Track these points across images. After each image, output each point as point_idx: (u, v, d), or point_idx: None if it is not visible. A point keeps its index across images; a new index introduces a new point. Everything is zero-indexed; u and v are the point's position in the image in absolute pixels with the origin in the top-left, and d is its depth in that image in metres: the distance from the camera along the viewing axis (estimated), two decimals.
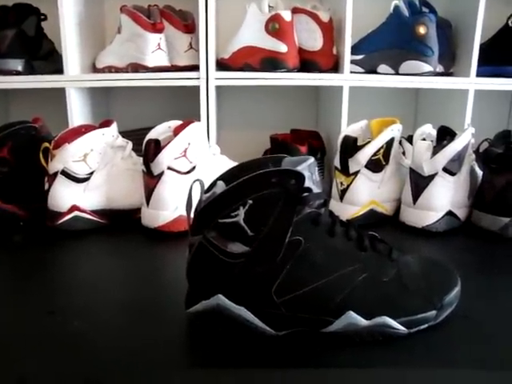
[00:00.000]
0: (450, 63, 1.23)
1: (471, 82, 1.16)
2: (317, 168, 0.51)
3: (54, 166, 0.81)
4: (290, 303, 0.49)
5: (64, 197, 0.82)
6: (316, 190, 0.50)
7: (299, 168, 0.48)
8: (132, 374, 0.47)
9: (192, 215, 0.51)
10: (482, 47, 1.17)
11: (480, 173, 0.89)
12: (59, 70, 1.14)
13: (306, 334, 0.50)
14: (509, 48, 1.21)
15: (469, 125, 0.86)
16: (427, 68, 1.13)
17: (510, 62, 1.19)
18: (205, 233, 0.49)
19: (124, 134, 0.92)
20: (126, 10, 1.16)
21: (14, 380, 0.45)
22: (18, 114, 1.00)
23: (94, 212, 0.84)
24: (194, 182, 0.51)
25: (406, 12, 1.16)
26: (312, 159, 0.50)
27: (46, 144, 0.85)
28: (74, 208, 0.82)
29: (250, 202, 0.47)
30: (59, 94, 1.14)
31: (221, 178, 0.53)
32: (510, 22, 1.23)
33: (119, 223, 0.86)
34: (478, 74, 1.17)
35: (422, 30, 1.13)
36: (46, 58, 1.21)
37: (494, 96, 1.29)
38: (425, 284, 0.53)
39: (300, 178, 0.47)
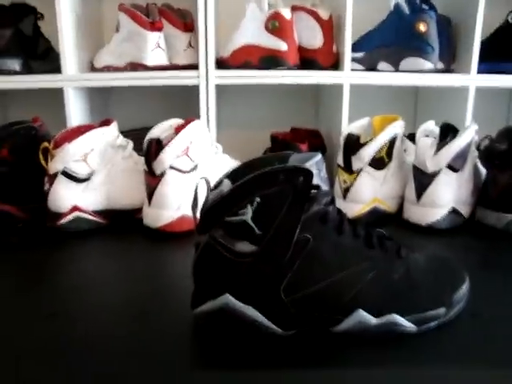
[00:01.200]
0: (450, 60, 1.22)
1: (472, 79, 1.16)
2: (324, 165, 0.51)
3: (54, 166, 0.80)
4: (299, 302, 0.48)
5: (64, 197, 0.81)
6: (324, 187, 0.49)
7: (307, 165, 0.47)
8: (138, 375, 0.46)
9: (198, 214, 0.50)
10: (482, 44, 1.17)
11: (483, 170, 0.88)
12: (57, 70, 1.13)
13: (315, 333, 0.50)
14: (509, 45, 1.21)
15: (472, 121, 0.86)
16: (428, 65, 1.13)
17: (510, 59, 1.19)
18: (212, 232, 0.49)
19: (124, 133, 0.91)
20: (124, 8, 1.15)
21: (16, 383, 0.44)
22: (16, 114, 0.99)
23: (95, 212, 0.83)
24: (200, 179, 0.50)
25: (405, 9, 1.16)
26: (319, 156, 0.50)
27: (46, 144, 0.84)
28: (74, 208, 0.81)
29: (258, 200, 0.46)
30: (57, 94, 1.13)
31: (227, 176, 0.53)
32: (509, 18, 1.23)
33: (120, 223, 0.85)
34: (479, 71, 1.16)
35: (422, 27, 1.12)
36: (44, 57, 1.19)
37: (493, 93, 1.29)
38: (434, 281, 0.52)
39: (308, 175, 0.47)
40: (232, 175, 0.52)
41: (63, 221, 0.81)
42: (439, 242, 0.79)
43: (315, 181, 0.48)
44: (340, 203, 0.86)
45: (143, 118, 1.19)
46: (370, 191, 0.85)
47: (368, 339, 0.49)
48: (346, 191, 0.86)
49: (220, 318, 0.50)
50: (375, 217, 0.86)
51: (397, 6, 1.16)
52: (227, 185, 0.51)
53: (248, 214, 0.46)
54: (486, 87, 1.18)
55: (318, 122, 1.43)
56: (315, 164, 0.48)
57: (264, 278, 0.48)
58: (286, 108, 1.43)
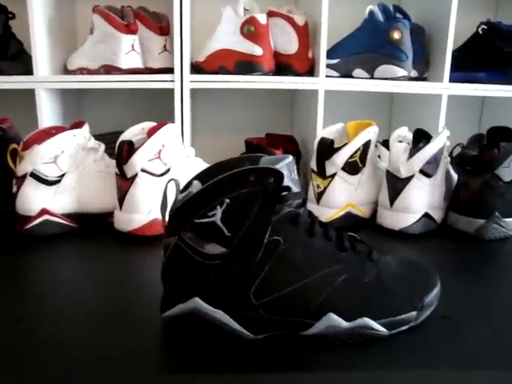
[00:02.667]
0: (423, 68, 1.24)
1: (444, 87, 1.18)
2: (295, 167, 0.50)
3: (23, 167, 0.78)
4: (269, 305, 0.48)
5: (33, 200, 0.79)
6: (295, 188, 0.48)
7: (278, 166, 0.47)
8: (106, 379, 0.45)
9: (167, 216, 0.49)
10: (455, 53, 1.19)
11: (455, 175, 0.89)
12: (28, 71, 1.11)
13: (286, 337, 0.49)
14: (479, 55, 1.23)
15: (444, 127, 0.87)
16: (401, 72, 1.14)
17: (480, 68, 1.21)
18: (180, 234, 0.48)
19: (97, 137, 0.89)
20: (98, 10, 1.14)
21: None
22: None
23: (65, 216, 0.82)
24: (169, 181, 0.49)
25: (380, 17, 1.17)
26: (290, 158, 0.49)
27: (14, 145, 0.82)
28: (43, 212, 0.79)
29: (227, 201, 0.46)
30: (29, 96, 1.10)
31: (197, 177, 0.52)
32: (479, 29, 1.26)
33: (91, 227, 0.84)
34: (451, 80, 1.18)
35: (396, 35, 1.14)
36: (15, 58, 1.17)
37: (466, 100, 1.31)
38: (405, 285, 0.52)
39: (279, 176, 0.46)
40: (202, 176, 0.51)
41: (32, 224, 0.79)
42: (412, 247, 0.80)
43: (286, 182, 0.47)
44: (314, 208, 0.86)
45: (117, 121, 1.18)
46: (343, 196, 0.85)
47: (339, 343, 0.49)
48: (319, 196, 0.86)
49: (189, 321, 0.49)
50: (349, 221, 0.86)
51: (371, 14, 1.18)
52: (196, 186, 0.50)
53: (217, 215, 0.46)
54: (459, 95, 1.19)
55: (293, 127, 1.43)
56: (286, 165, 0.48)
57: (233, 281, 0.47)
58: (261, 113, 1.43)
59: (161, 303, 0.51)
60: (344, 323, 0.48)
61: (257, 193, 0.46)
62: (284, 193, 0.47)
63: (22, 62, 1.16)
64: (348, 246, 0.52)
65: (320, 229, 0.51)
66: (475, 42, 1.26)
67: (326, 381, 0.46)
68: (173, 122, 1.12)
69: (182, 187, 0.51)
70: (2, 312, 0.56)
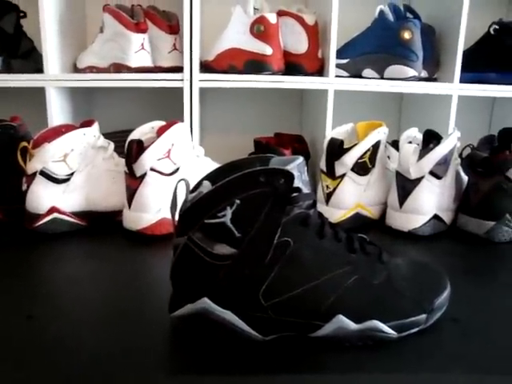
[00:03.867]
0: (434, 69, 1.23)
1: (455, 88, 1.17)
2: (306, 168, 0.50)
3: (33, 166, 0.79)
4: (278, 307, 0.48)
5: (43, 198, 0.79)
6: (305, 190, 0.48)
7: (288, 167, 0.47)
8: (113, 378, 0.45)
9: (177, 216, 0.49)
10: (465, 54, 1.18)
11: (465, 177, 0.89)
12: (39, 69, 1.11)
13: (294, 338, 0.49)
14: (491, 55, 1.22)
15: (454, 128, 0.86)
16: (412, 73, 1.13)
17: (491, 69, 1.20)
18: (190, 234, 0.48)
19: (106, 135, 0.89)
20: (108, 9, 1.14)
21: None
22: None
23: (74, 214, 0.82)
24: (179, 181, 0.49)
25: (390, 17, 1.16)
26: (301, 159, 0.49)
27: (25, 143, 0.83)
28: (53, 210, 0.80)
29: (238, 201, 0.46)
30: (39, 94, 1.11)
31: (207, 177, 0.52)
32: (491, 29, 1.24)
33: (100, 226, 0.84)
34: (461, 80, 1.17)
35: (406, 35, 1.13)
36: (26, 56, 1.17)
37: (476, 101, 1.30)
38: (415, 287, 0.52)
39: (289, 177, 0.46)
40: (212, 177, 0.51)
41: (41, 222, 0.79)
42: (421, 248, 0.79)
43: (296, 183, 0.47)
44: (323, 208, 0.86)
45: (126, 120, 1.18)
46: (352, 197, 0.85)
47: (348, 345, 0.49)
48: (328, 196, 0.85)
49: (198, 322, 0.49)
50: (358, 222, 0.86)
51: (382, 14, 1.17)
52: (207, 186, 0.50)
53: (227, 216, 0.46)
54: (469, 96, 1.19)
55: (302, 127, 1.43)
56: (296, 166, 0.47)
57: (243, 281, 0.47)
58: (270, 113, 1.42)
59: (169, 303, 0.51)
60: (353, 325, 0.48)
61: (267, 194, 0.46)
62: (294, 194, 0.47)
63: (32, 61, 1.17)
64: (358, 248, 0.51)
65: (330, 230, 0.51)
66: (486, 42, 1.24)
67: (334, 383, 0.46)
68: (181, 121, 1.11)
69: (191, 187, 0.50)
70: (13, 309, 0.56)
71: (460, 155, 1.08)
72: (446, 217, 0.84)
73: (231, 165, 0.52)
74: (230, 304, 0.48)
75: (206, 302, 0.48)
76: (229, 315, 0.48)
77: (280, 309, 0.48)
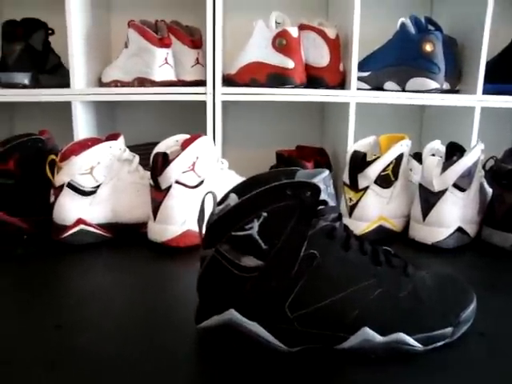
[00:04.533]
0: (456, 81, 1.23)
1: (478, 100, 1.16)
2: (331, 181, 0.51)
3: (61, 178, 0.81)
4: (304, 318, 0.48)
5: (70, 210, 0.81)
6: (331, 203, 0.49)
7: (315, 180, 0.47)
8: None
9: (204, 228, 0.50)
10: (488, 65, 1.17)
11: (489, 189, 0.88)
12: (65, 84, 1.14)
13: (320, 350, 0.49)
14: None
15: (478, 141, 0.86)
16: (434, 85, 1.13)
17: None
18: (217, 246, 0.48)
19: (131, 148, 0.91)
20: (133, 24, 1.17)
21: None
22: (24, 127, 1.00)
23: (100, 226, 0.83)
24: (207, 194, 0.50)
25: (412, 29, 1.16)
26: (327, 172, 0.50)
27: (53, 156, 0.85)
28: (79, 221, 0.81)
29: (265, 214, 0.46)
30: (65, 108, 1.13)
31: (233, 190, 0.52)
32: None
33: (125, 237, 0.85)
34: (484, 92, 1.17)
35: (428, 47, 1.13)
36: (53, 71, 1.21)
37: (498, 113, 1.29)
38: (441, 300, 0.52)
39: (316, 190, 0.47)
40: (238, 189, 0.52)
41: (68, 233, 0.81)
42: (445, 261, 0.79)
43: (323, 196, 0.47)
44: (346, 221, 0.85)
45: (150, 133, 1.20)
46: (375, 209, 0.85)
47: (374, 357, 0.49)
48: (351, 209, 0.85)
49: (224, 333, 0.49)
50: (381, 235, 0.86)
51: (403, 26, 1.17)
52: (234, 199, 0.50)
53: (254, 228, 0.46)
54: (492, 107, 1.18)
55: (324, 140, 1.43)
56: (323, 180, 0.48)
57: (269, 293, 0.48)
58: (292, 126, 1.43)
59: (196, 314, 0.52)
60: (379, 338, 0.48)
61: (294, 206, 0.46)
62: (320, 207, 0.48)
63: (59, 76, 1.20)
64: (383, 260, 0.51)
65: (356, 242, 0.51)
66: (509, 53, 1.24)
67: None
68: (205, 134, 1.13)
69: (218, 200, 0.51)
70: (41, 318, 0.57)
71: (483, 167, 1.07)
72: (470, 229, 0.84)
73: (257, 178, 0.53)
74: (257, 316, 0.48)
75: (232, 314, 0.48)
76: (255, 327, 0.48)
77: (306, 321, 0.48)
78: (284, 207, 0.46)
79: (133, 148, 0.95)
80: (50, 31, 1.23)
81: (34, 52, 1.18)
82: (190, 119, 1.24)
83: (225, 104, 1.20)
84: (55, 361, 0.49)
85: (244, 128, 1.44)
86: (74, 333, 0.54)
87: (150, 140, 1.11)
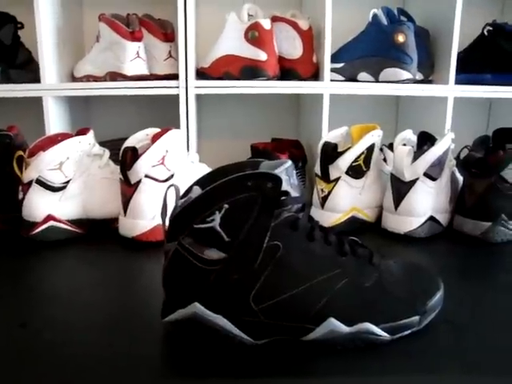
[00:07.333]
0: (428, 71, 1.24)
1: (450, 90, 1.17)
2: (295, 172, 0.50)
3: (29, 174, 0.79)
4: (269, 310, 0.48)
5: (39, 206, 0.79)
6: (294, 193, 0.48)
7: (276, 171, 0.47)
8: None
9: (167, 221, 0.49)
10: (460, 55, 1.18)
11: (460, 178, 0.89)
12: (36, 79, 1.12)
13: (286, 342, 0.49)
14: (485, 56, 1.23)
15: (448, 130, 0.86)
16: (407, 75, 1.14)
17: (486, 70, 1.21)
18: (180, 239, 0.48)
19: (102, 143, 0.90)
20: (104, 18, 1.15)
21: None
22: None
23: (71, 222, 0.82)
24: (169, 187, 0.49)
25: (384, 20, 1.17)
26: (289, 163, 0.49)
27: (20, 152, 0.83)
28: (49, 218, 0.80)
29: (226, 206, 0.46)
30: (37, 103, 1.12)
31: (197, 182, 0.52)
32: (485, 31, 1.25)
33: (96, 233, 0.84)
34: (457, 82, 1.18)
35: (400, 38, 1.13)
36: (23, 66, 1.18)
37: (472, 103, 1.31)
38: (407, 289, 0.52)
39: (277, 181, 0.46)
40: (202, 182, 0.51)
41: (37, 230, 0.80)
42: (418, 251, 0.79)
43: (285, 187, 0.47)
44: (318, 212, 0.86)
45: (124, 128, 1.18)
46: (348, 200, 0.85)
47: (340, 348, 0.49)
48: (323, 200, 0.85)
49: (189, 327, 0.49)
50: (354, 226, 0.86)
51: (375, 18, 1.17)
52: (196, 191, 0.50)
53: (216, 220, 0.46)
54: (466, 97, 1.19)
55: (299, 132, 1.43)
56: (285, 170, 0.48)
57: (233, 286, 0.47)
58: (267, 118, 1.43)
59: (162, 308, 0.51)
60: (345, 328, 0.48)
61: (255, 198, 0.46)
62: (283, 198, 0.47)
63: (30, 71, 1.18)
64: (348, 251, 0.51)
65: (320, 233, 0.51)
66: (481, 44, 1.25)
67: None
68: (178, 127, 1.12)
69: (182, 193, 0.51)
70: (7, 317, 0.56)
71: (458, 157, 1.08)
72: (442, 218, 0.84)
73: (221, 170, 0.53)
74: (221, 308, 0.48)
75: (196, 307, 0.48)
76: (220, 320, 0.48)
77: (271, 313, 0.48)
78: (245, 199, 0.46)
79: (105, 143, 0.94)
80: (19, 25, 1.20)
81: (3, 46, 1.16)
82: (164, 113, 1.23)
83: (199, 97, 1.19)
84: (18, 359, 0.48)
85: (219, 121, 1.43)
86: (39, 331, 0.53)
87: (124, 134, 1.10)
